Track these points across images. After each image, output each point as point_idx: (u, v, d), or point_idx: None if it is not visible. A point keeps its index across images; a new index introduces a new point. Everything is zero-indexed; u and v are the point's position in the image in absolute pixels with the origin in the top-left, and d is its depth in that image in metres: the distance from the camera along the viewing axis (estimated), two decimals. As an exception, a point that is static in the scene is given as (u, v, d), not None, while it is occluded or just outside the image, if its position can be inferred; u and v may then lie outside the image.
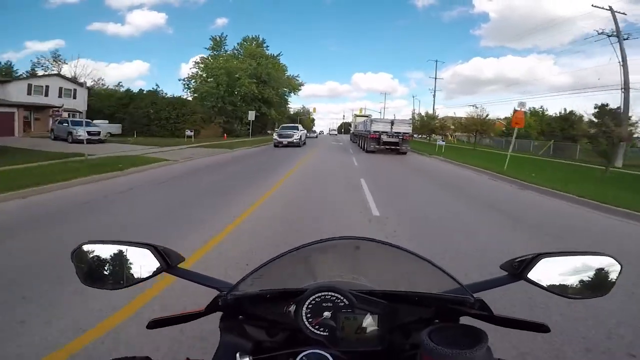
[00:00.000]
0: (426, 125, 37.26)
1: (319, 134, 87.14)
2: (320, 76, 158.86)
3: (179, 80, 38.77)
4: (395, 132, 19.07)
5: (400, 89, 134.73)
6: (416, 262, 0.67)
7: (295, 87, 48.09)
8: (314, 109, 49.20)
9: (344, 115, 67.11)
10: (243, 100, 36.88)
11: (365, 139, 20.99)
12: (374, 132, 19.19)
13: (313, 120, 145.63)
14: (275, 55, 43.05)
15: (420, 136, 47.14)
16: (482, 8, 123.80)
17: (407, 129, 19.56)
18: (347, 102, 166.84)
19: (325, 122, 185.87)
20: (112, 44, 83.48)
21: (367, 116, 31.11)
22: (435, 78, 46.72)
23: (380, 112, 54.38)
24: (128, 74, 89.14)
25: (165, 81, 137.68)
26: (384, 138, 19.08)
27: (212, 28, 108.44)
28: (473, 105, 53.07)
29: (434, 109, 45.41)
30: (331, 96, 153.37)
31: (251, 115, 27.90)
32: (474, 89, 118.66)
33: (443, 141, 24.24)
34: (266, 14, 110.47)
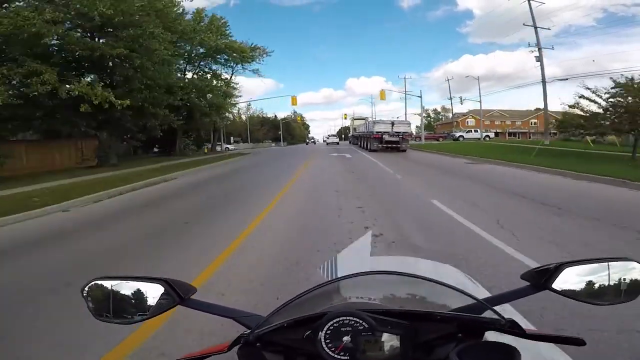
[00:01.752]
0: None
1: (312, 140, 70.04)
2: (315, 84, 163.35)
3: None
4: (396, 132, 21.43)
5: (393, 90, 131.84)
6: (431, 285, 0.69)
7: (244, 52, 25.67)
8: (294, 98, 25.11)
9: (345, 115, 53.67)
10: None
11: (368, 139, 23.47)
12: (377, 132, 21.67)
13: (307, 127, 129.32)
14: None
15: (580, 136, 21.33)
16: (465, 5, 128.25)
17: (407, 128, 22.93)
18: (343, 108, 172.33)
19: (322, 129, 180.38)
20: None
21: (364, 119, 34.65)
22: (536, 27, 25.34)
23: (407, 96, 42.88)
24: None
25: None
26: (386, 137, 21.33)
27: None
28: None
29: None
30: (327, 103, 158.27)
31: None
32: (466, 86, 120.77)
33: None
34: (256, 26, 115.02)
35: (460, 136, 42.59)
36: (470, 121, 73.70)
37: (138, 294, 0.66)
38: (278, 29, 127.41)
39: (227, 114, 30.94)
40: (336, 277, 0.91)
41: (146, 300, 0.66)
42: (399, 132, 21.38)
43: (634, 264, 0.63)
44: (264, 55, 27.20)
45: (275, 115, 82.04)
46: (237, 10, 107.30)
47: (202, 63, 25.08)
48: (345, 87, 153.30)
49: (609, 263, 0.63)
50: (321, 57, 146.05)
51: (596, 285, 0.63)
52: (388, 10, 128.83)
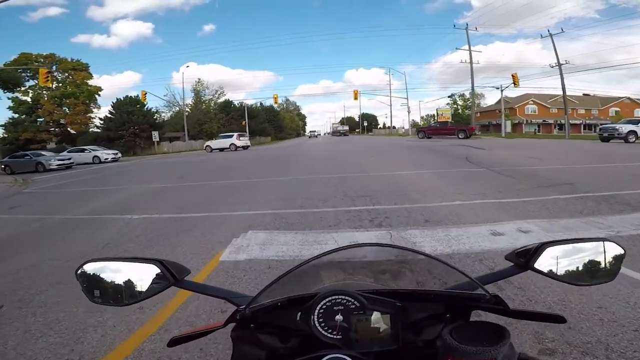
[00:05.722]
0: None
1: (314, 135, 73.40)
2: (314, 76, 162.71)
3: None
4: (343, 129, 65.57)
5: (393, 83, 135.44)
6: (422, 260, 0.73)
7: None
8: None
9: (355, 93, 40.20)
10: None
11: (335, 133, 64.99)
12: (337, 129, 67.05)
13: (304, 117, 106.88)
14: None
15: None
16: None
17: (346, 128, 68.00)
18: (343, 100, 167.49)
19: (320, 122, 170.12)
20: (100, 56, 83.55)
21: (337, 124, 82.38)
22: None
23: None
24: (120, 84, 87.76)
25: (159, 89, 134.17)
26: (341, 131, 63.63)
27: (200, 35, 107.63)
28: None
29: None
30: (326, 94, 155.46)
31: None
32: (466, 77, 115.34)
33: None
34: (254, 18, 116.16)
35: (632, 132, 19.13)
36: (531, 107, 54.64)
37: (132, 275, 0.65)
38: (276, 22, 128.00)
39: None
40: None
41: (140, 282, 0.65)
42: (344, 129, 65.01)
43: (612, 244, 0.64)
44: None
45: (261, 103, 57.61)
46: (235, 3, 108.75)
47: None
48: (344, 79, 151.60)
49: (588, 243, 0.65)
50: (321, 49, 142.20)
51: (576, 266, 0.63)
52: (386, 3, 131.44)
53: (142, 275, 0.65)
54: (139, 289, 0.65)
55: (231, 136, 28.85)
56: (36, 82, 29.89)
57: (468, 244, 3.17)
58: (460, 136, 25.91)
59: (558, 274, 0.63)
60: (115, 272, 0.65)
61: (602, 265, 0.64)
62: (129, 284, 0.65)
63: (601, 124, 27.52)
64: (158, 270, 0.65)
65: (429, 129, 29.96)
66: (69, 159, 19.78)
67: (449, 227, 3.64)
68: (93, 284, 0.65)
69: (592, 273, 0.63)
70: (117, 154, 23.58)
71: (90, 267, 0.66)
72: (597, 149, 13.97)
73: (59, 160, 18.89)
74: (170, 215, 4.98)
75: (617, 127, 20.41)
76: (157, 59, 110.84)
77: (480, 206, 4.43)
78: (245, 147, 28.13)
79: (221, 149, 27.85)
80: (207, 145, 29.59)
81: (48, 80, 14.72)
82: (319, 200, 5.18)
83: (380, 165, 9.81)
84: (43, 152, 20.84)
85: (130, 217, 5.14)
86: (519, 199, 4.81)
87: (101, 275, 0.65)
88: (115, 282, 0.65)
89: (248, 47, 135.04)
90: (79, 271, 0.66)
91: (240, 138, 28.66)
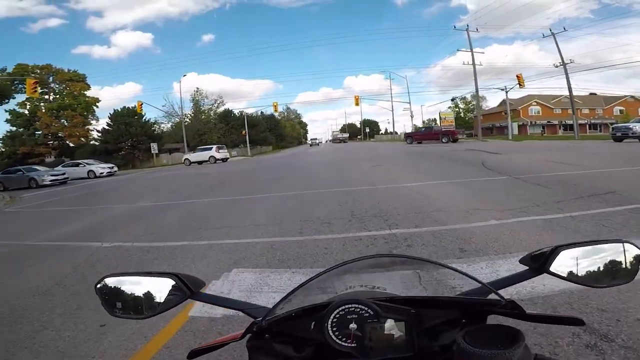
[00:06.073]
0: None
1: (315, 142, 71.71)
2: (314, 84, 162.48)
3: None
4: (343, 136, 71.36)
5: (394, 88, 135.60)
6: (434, 267, 0.72)
7: None
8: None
9: (357, 98, 38.57)
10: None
11: (335, 140, 70.63)
12: (337, 137, 72.86)
13: (305, 125, 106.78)
14: None
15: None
16: (458, 0, 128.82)
17: (345, 135, 74.68)
18: (344, 107, 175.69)
19: (322, 129, 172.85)
20: (101, 67, 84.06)
21: (337, 132, 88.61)
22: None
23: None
24: (121, 95, 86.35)
25: (159, 100, 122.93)
26: (340, 138, 68.92)
27: (199, 45, 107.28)
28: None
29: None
30: (326, 102, 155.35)
31: None
32: (465, 81, 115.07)
33: None
34: (254, 29, 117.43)
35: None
36: (534, 108, 53.17)
37: (149, 289, 0.66)
38: (275, 31, 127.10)
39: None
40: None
41: (158, 295, 0.66)
42: (344, 137, 70.38)
43: (629, 245, 0.63)
44: None
45: (262, 112, 56.95)
46: (233, 12, 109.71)
47: None
48: (344, 86, 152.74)
49: (604, 245, 0.64)
50: (320, 57, 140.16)
51: (592, 268, 0.63)
52: (383, 9, 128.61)
53: (160, 287, 0.65)
54: (157, 300, 0.65)
55: (210, 149, 28.31)
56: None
57: (526, 286, 2.33)
58: (444, 140, 26.21)
59: (575, 276, 0.62)
60: (134, 284, 0.66)
61: (623, 265, 0.62)
62: (148, 296, 0.65)
63: (611, 124, 26.90)
64: (174, 283, 0.65)
65: (416, 134, 31.35)
66: (63, 174, 19.12)
67: (493, 258, 2.80)
68: (114, 297, 0.66)
69: (612, 274, 0.62)
70: (112, 167, 22.92)
71: (110, 281, 0.67)
72: (616, 150, 13.16)
73: (52, 175, 18.24)
74: (144, 243, 4.16)
75: (630, 126, 19.67)
76: (157, 70, 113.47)
77: (522, 226, 3.59)
78: (224, 160, 28.05)
79: (200, 162, 27.14)
80: (185, 159, 28.65)
81: (36, 91, 14.14)
82: (321, 223, 4.32)
83: (388, 175, 8.96)
84: (37, 167, 20.21)
85: (100, 244, 4.35)
86: (565, 215, 3.97)
87: (122, 288, 0.66)
88: (136, 295, 0.65)
89: (247, 56, 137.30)
90: (99, 285, 0.67)
91: (220, 150, 28.38)
